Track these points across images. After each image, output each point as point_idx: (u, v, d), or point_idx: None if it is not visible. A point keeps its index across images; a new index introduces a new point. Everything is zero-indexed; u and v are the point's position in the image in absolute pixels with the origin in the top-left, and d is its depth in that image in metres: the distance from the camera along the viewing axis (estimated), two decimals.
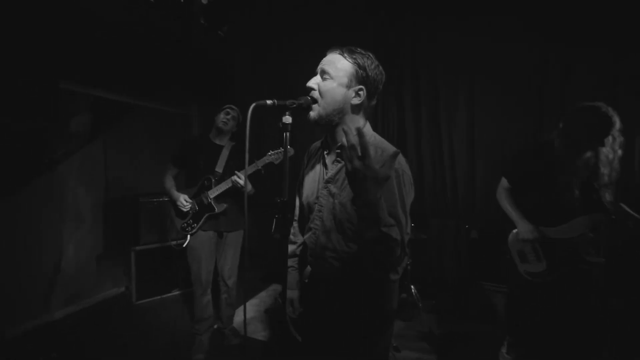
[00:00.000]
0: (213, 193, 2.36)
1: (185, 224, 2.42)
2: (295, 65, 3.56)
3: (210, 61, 4.13)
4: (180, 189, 2.49)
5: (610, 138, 1.81)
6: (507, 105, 3.20)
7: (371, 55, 1.17)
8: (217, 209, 2.37)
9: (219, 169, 2.43)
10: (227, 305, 2.62)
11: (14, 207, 2.73)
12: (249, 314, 3.15)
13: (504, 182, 2.18)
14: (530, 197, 2.08)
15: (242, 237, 2.59)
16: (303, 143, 1.45)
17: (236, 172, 2.25)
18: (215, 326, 2.68)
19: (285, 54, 3.92)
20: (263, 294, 3.61)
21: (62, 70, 2.90)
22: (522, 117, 3.15)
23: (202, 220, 2.40)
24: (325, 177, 1.23)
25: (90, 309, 3.25)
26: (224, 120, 2.46)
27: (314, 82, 1.16)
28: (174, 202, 2.44)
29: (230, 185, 2.30)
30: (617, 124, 1.80)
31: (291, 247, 1.44)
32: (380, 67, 1.18)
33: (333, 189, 1.18)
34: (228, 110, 2.49)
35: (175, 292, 3.54)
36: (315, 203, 1.24)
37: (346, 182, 1.14)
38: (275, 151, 2.23)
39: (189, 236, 2.41)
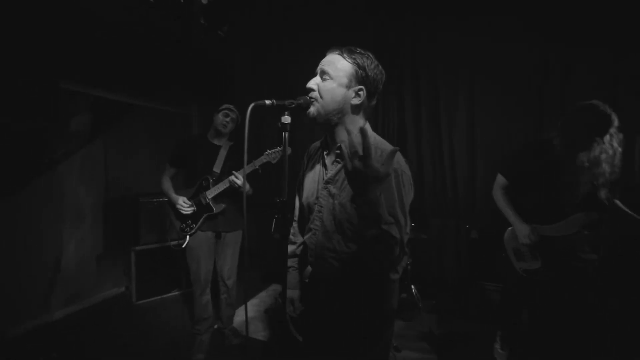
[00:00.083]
0: (211, 193, 2.36)
1: (184, 225, 2.42)
2: (295, 65, 3.57)
3: (210, 61, 4.14)
4: (179, 189, 2.49)
5: (608, 136, 1.81)
6: (507, 105, 3.20)
7: (371, 55, 1.16)
8: (216, 209, 2.37)
9: (217, 169, 2.43)
10: (227, 306, 2.62)
11: (14, 207, 2.73)
12: (249, 314, 3.15)
13: (499, 179, 2.18)
14: (528, 195, 2.08)
15: (241, 237, 2.59)
16: (302, 143, 1.45)
17: (234, 172, 2.25)
18: (216, 326, 2.68)
19: (285, 54, 3.92)
20: (263, 293, 3.61)
21: (62, 70, 2.90)
22: (522, 117, 3.15)
23: (201, 220, 2.40)
24: (325, 178, 1.23)
25: (91, 308, 3.25)
26: (224, 123, 2.46)
27: (313, 82, 1.15)
28: (173, 205, 2.43)
29: (228, 185, 2.31)
30: (615, 121, 1.80)
31: (291, 248, 1.44)
32: (380, 67, 1.18)
33: (333, 189, 1.18)
34: (227, 112, 2.47)
35: (175, 292, 3.54)
36: (315, 203, 1.24)
37: (346, 182, 1.14)
38: (273, 150, 2.22)
39: (188, 237, 2.41)
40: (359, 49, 1.16)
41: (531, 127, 3.11)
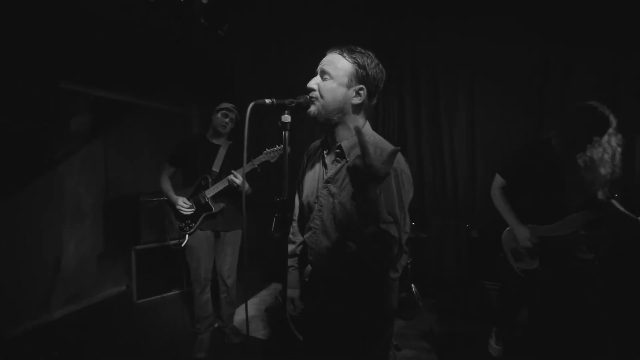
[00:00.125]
0: (210, 193, 2.36)
1: (184, 224, 2.43)
2: (295, 65, 3.57)
3: (210, 61, 4.14)
4: (178, 189, 2.49)
5: (606, 137, 1.82)
6: (507, 105, 3.20)
7: (371, 54, 1.16)
8: (214, 208, 2.37)
9: (216, 168, 2.43)
10: (226, 304, 2.62)
11: (14, 207, 2.73)
12: (250, 313, 3.15)
13: (498, 179, 2.18)
14: (526, 195, 2.09)
15: (240, 237, 2.59)
16: (302, 142, 1.45)
17: (232, 171, 2.25)
18: (216, 325, 2.68)
19: (285, 54, 3.92)
20: (263, 292, 3.62)
21: (62, 70, 2.90)
22: (522, 117, 3.15)
23: (200, 220, 2.40)
24: (325, 177, 1.23)
25: (91, 308, 3.26)
26: (223, 124, 2.45)
27: (314, 82, 1.15)
28: (172, 205, 2.43)
29: (226, 184, 2.30)
30: (613, 122, 1.81)
31: (291, 247, 1.44)
32: (381, 66, 1.18)
33: (333, 188, 1.18)
34: (226, 112, 2.46)
35: (176, 292, 3.55)
36: (315, 203, 1.24)
37: (346, 181, 1.14)
38: (271, 149, 2.22)
39: (187, 236, 2.41)
40: (359, 48, 1.16)
41: (531, 127, 3.11)
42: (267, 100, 1.03)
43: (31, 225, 2.86)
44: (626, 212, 1.82)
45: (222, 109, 2.47)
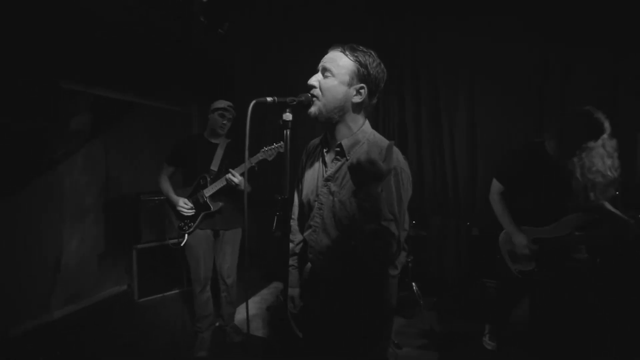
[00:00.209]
0: (208, 192, 2.36)
1: (183, 224, 2.43)
2: (295, 65, 3.57)
3: (210, 61, 4.14)
4: (177, 188, 2.49)
5: (600, 141, 1.85)
6: (507, 105, 3.20)
7: (373, 54, 1.16)
8: (213, 207, 2.37)
9: (215, 167, 2.43)
10: (227, 304, 2.63)
11: (14, 207, 2.72)
12: (250, 312, 3.15)
13: (495, 184, 2.21)
14: (521, 198, 2.12)
15: (240, 236, 2.59)
16: (303, 140, 1.45)
17: (230, 169, 2.25)
18: (217, 324, 2.68)
19: (285, 54, 3.92)
20: (264, 291, 3.62)
21: (62, 70, 2.90)
22: (522, 117, 3.15)
23: (199, 219, 2.40)
24: (325, 175, 1.23)
25: (92, 307, 3.25)
26: (221, 125, 2.44)
27: (315, 79, 1.15)
28: (173, 206, 2.43)
29: (225, 183, 2.30)
30: (608, 128, 1.85)
31: (290, 246, 1.44)
32: (382, 66, 1.18)
33: (333, 187, 1.19)
34: (222, 112, 2.44)
35: (177, 291, 3.54)
36: (315, 201, 1.24)
37: (346, 179, 1.14)
38: (269, 147, 2.21)
39: (186, 235, 2.41)
40: (361, 47, 1.16)
41: (531, 127, 3.11)
42: (269, 99, 1.03)
43: (31, 225, 2.85)
44: (617, 212, 1.85)
45: (219, 109, 2.44)
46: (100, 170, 3.44)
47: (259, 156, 2.22)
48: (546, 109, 3.06)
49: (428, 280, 3.42)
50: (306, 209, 1.31)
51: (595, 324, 2.38)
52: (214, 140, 2.50)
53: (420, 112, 3.58)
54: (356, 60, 1.13)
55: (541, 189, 2.02)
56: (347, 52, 1.13)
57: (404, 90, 3.63)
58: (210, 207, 2.37)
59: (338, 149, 1.20)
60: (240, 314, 2.82)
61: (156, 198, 3.43)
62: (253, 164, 2.22)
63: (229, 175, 2.24)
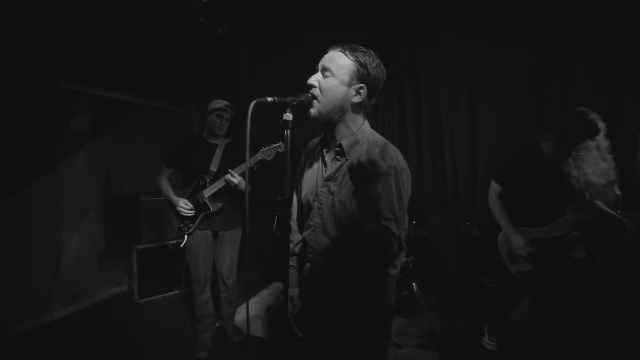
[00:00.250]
0: (208, 192, 2.36)
1: (182, 224, 2.42)
2: (295, 65, 3.56)
3: (210, 61, 4.14)
4: (176, 189, 2.48)
5: (595, 142, 1.87)
6: (507, 105, 3.21)
7: (372, 54, 1.16)
8: (212, 208, 2.37)
9: (214, 167, 2.42)
10: (227, 304, 2.62)
11: (14, 207, 2.72)
12: (251, 312, 3.15)
13: (493, 185, 2.23)
14: (519, 199, 2.15)
15: (239, 236, 2.59)
16: (303, 140, 1.45)
17: (229, 170, 2.25)
18: (217, 324, 2.68)
19: (285, 54, 3.93)
20: (264, 292, 3.62)
21: (62, 70, 2.90)
22: (522, 117, 3.16)
23: (198, 220, 2.39)
24: (325, 175, 1.23)
25: (93, 307, 3.25)
26: (220, 125, 2.43)
27: (314, 79, 1.15)
28: (173, 207, 2.43)
29: (224, 184, 2.30)
30: (602, 129, 1.86)
31: (289, 246, 1.44)
32: (382, 66, 1.18)
33: (333, 186, 1.18)
34: (221, 113, 2.42)
35: (177, 291, 3.54)
36: (315, 201, 1.24)
37: (345, 179, 1.14)
38: (268, 147, 2.21)
39: (186, 236, 2.41)
40: (361, 47, 1.15)
41: (531, 127, 3.11)
42: (269, 99, 1.02)
43: (31, 225, 2.85)
44: (610, 211, 1.87)
45: (216, 109, 2.42)
46: (100, 170, 3.44)
47: (258, 156, 2.22)
48: (546, 109, 3.07)
49: (428, 280, 3.42)
50: (305, 209, 1.30)
51: (595, 324, 2.38)
52: (212, 141, 2.50)
53: (420, 112, 3.58)
54: (356, 60, 1.13)
55: (538, 190, 2.04)
56: (347, 52, 1.13)
57: (404, 90, 3.63)
58: (209, 208, 2.37)
59: (338, 148, 1.20)
60: (240, 315, 2.82)
61: (156, 198, 3.42)
62: (252, 164, 2.22)
63: (228, 176, 2.24)
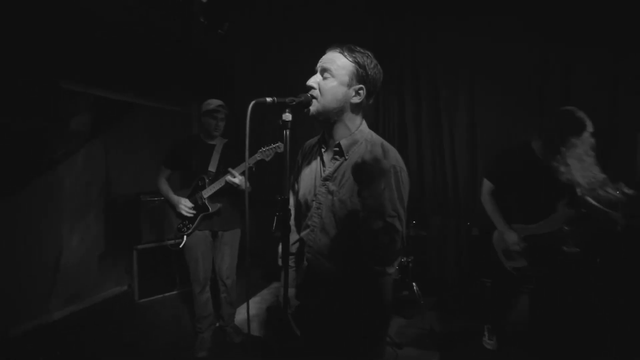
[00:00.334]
0: (207, 193, 2.36)
1: (181, 225, 2.42)
2: (295, 65, 3.56)
3: (210, 61, 4.14)
4: (175, 190, 2.48)
5: (581, 139, 1.90)
6: (507, 105, 3.20)
7: (370, 54, 1.17)
8: (211, 208, 2.37)
9: (212, 168, 2.42)
10: (226, 304, 2.62)
11: (14, 207, 2.72)
12: (251, 312, 3.15)
13: (486, 184, 2.28)
14: (511, 196, 2.19)
15: (238, 237, 2.59)
16: (302, 140, 1.45)
17: (230, 169, 2.24)
18: (217, 324, 2.69)
19: (285, 54, 3.92)
20: (265, 291, 3.62)
21: (62, 70, 2.90)
22: (522, 117, 3.15)
23: (197, 220, 2.39)
24: (323, 175, 1.23)
25: (93, 307, 3.25)
26: (215, 126, 2.43)
27: (314, 80, 1.16)
28: (173, 207, 2.42)
29: (223, 184, 2.30)
30: (589, 127, 1.90)
31: (287, 246, 1.44)
32: (379, 67, 1.18)
33: (332, 186, 1.19)
34: (215, 114, 2.41)
35: (177, 291, 3.54)
36: (313, 200, 1.24)
37: (345, 178, 1.15)
38: (267, 148, 2.21)
39: (185, 236, 2.41)
40: (358, 48, 1.16)
41: (531, 127, 3.10)
42: (268, 99, 1.03)
43: (31, 225, 2.85)
44: (599, 206, 1.89)
45: (209, 111, 2.41)
46: (100, 170, 3.44)
47: (257, 157, 2.22)
48: (546, 109, 3.06)
49: (428, 280, 3.41)
50: (303, 209, 1.30)
51: (595, 323, 2.38)
52: (210, 142, 2.50)
53: (420, 112, 3.58)
54: (355, 61, 1.13)
55: (530, 187, 2.09)
56: (346, 53, 1.14)
57: (404, 90, 3.63)
58: (208, 209, 2.37)
59: (337, 148, 1.20)
60: (240, 315, 2.82)
61: (156, 198, 3.42)
62: (251, 165, 2.22)
63: (229, 176, 2.23)
